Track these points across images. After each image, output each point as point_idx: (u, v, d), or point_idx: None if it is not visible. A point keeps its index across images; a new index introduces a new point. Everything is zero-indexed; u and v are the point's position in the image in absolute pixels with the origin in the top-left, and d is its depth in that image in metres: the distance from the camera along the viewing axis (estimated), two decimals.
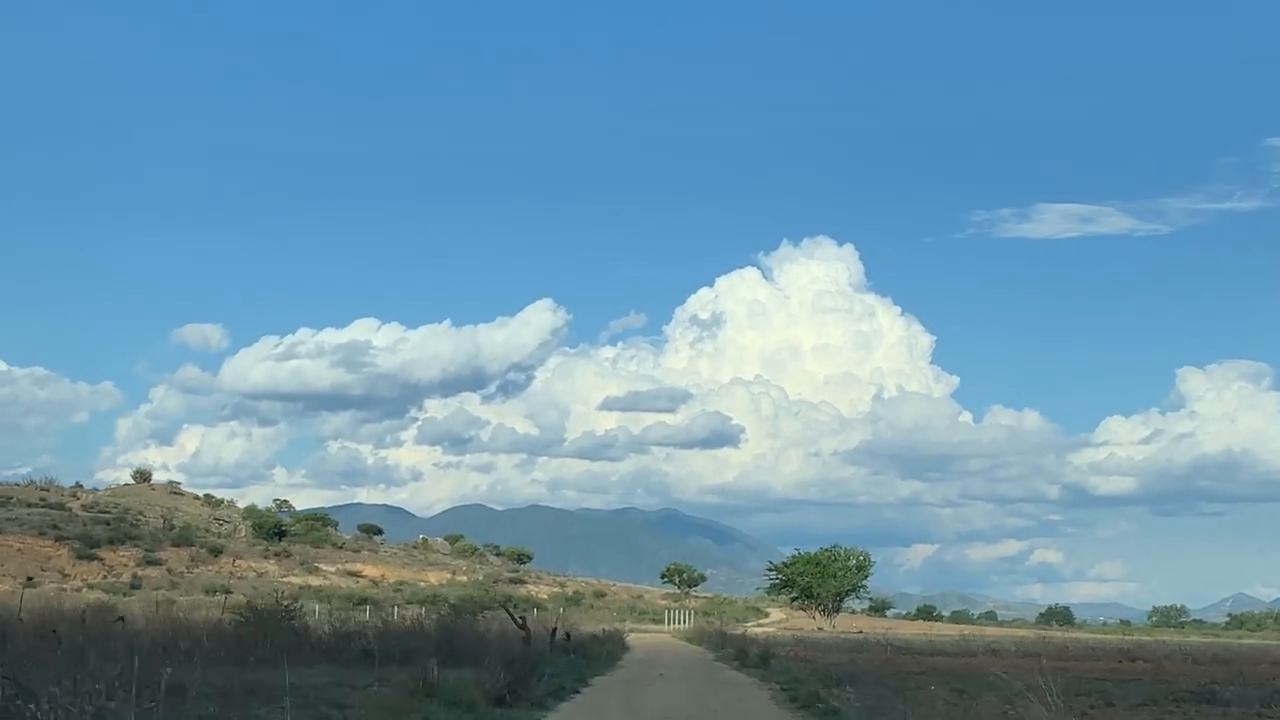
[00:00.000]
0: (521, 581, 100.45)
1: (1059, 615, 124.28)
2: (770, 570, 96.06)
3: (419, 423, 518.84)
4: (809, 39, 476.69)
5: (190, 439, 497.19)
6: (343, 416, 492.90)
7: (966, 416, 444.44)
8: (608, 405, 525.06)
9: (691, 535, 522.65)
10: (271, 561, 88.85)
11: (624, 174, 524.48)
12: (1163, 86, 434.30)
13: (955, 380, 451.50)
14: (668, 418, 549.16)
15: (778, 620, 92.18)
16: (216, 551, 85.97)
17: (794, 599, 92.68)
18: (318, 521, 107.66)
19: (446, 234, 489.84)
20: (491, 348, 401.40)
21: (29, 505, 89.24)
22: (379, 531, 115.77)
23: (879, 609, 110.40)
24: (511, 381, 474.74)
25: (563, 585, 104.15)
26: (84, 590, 65.78)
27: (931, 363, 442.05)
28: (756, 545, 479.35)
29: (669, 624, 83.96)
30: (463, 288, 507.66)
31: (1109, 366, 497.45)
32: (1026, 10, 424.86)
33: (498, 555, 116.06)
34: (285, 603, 32.25)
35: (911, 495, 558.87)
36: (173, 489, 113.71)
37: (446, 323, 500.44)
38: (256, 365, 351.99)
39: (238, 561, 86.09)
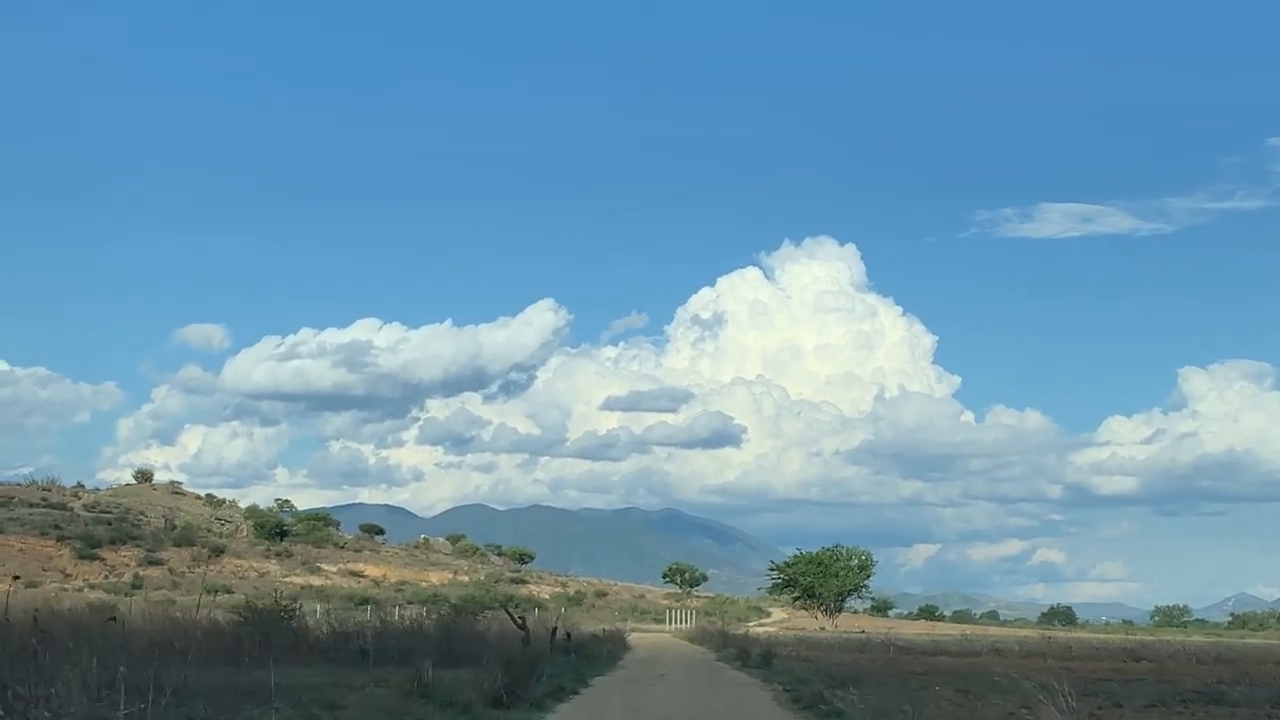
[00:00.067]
0: (523, 581, 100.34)
1: (1061, 615, 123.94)
2: (772, 570, 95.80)
3: (420, 423, 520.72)
4: (809, 39, 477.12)
5: (192, 439, 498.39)
6: (344, 416, 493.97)
7: (968, 416, 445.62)
8: (609, 405, 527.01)
9: (693, 535, 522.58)
10: (273, 561, 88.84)
11: (625, 174, 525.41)
12: (1165, 86, 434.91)
13: (957, 380, 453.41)
14: (669, 417, 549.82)
15: (780, 620, 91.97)
16: (218, 551, 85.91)
17: (796, 599, 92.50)
18: (319, 521, 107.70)
19: (448, 234, 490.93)
20: (493, 348, 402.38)
21: (31, 505, 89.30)
22: (380, 531, 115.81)
23: (881, 609, 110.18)
24: (513, 381, 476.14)
25: (564, 585, 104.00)
26: (85, 590, 65.71)
27: (933, 362, 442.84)
28: (758, 545, 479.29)
29: (671, 624, 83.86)
30: (464, 288, 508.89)
31: (1111, 366, 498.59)
32: (1028, 10, 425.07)
33: (499, 555, 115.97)
34: (284, 603, 32.07)
35: (913, 495, 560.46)
36: (174, 489, 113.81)
37: (448, 323, 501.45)
38: (258, 365, 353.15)
39: (239, 561, 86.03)
